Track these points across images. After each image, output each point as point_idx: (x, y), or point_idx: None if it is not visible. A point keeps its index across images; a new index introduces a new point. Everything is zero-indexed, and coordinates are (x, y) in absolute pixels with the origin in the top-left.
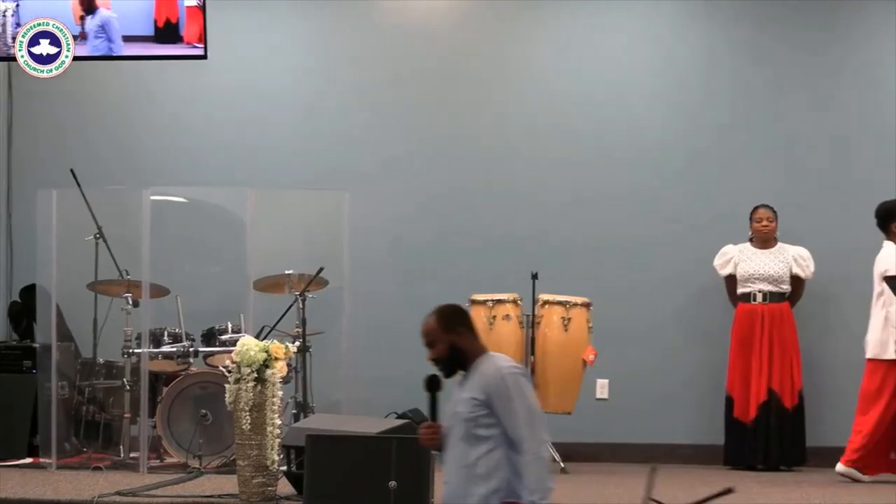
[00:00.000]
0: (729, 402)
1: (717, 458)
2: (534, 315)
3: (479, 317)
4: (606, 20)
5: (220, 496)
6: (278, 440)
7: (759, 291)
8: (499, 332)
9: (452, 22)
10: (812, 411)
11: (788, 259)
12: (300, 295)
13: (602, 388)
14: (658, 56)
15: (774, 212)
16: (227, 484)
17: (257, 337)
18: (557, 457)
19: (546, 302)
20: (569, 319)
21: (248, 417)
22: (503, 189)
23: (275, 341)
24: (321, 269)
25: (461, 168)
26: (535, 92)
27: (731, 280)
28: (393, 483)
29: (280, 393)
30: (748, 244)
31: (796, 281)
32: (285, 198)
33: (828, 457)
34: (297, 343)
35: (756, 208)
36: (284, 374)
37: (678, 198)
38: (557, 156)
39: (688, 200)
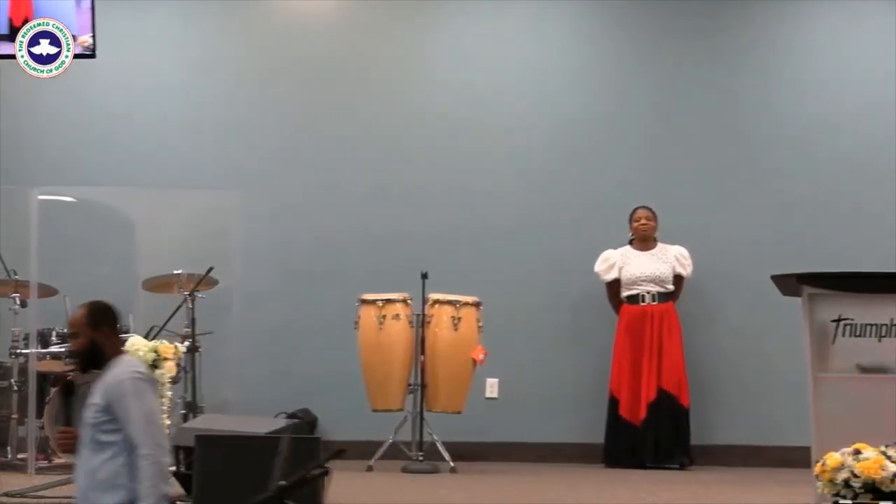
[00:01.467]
0: (614, 403)
1: (599, 457)
2: (424, 314)
3: (369, 316)
4: (499, 20)
5: None
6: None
7: (648, 293)
8: (389, 331)
9: (340, 20)
10: (697, 410)
11: (671, 259)
12: (189, 295)
13: (492, 387)
14: (545, 55)
15: (654, 212)
16: None
17: (146, 337)
18: (447, 456)
19: (436, 301)
20: (459, 319)
21: None
22: (393, 187)
23: (164, 341)
24: (210, 269)
25: (350, 166)
26: (425, 89)
27: (615, 284)
28: (283, 483)
29: (169, 393)
30: (629, 247)
31: (677, 279)
32: (174, 197)
33: (714, 455)
34: (187, 343)
35: (635, 209)
36: (174, 374)
37: (565, 198)
38: (447, 154)
39: (574, 201)
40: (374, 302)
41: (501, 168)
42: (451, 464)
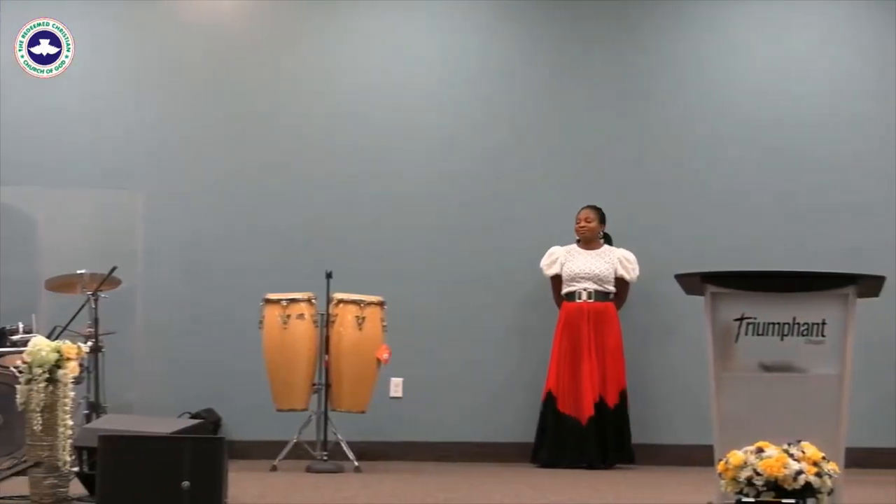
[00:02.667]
0: (551, 400)
1: (515, 455)
2: (328, 314)
3: (273, 316)
4: (412, 18)
5: (10, 498)
6: (70, 441)
7: (585, 290)
8: (293, 331)
9: (246, 17)
10: (635, 410)
11: (614, 260)
12: (93, 294)
13: (396, 386)
14: (459, 53)
15: (600, 213)
16: (18, 485)
17: (49, 337)
18: (352, 455)
19: (340, 301)
20: (363, 318)
21: (39, 418)
22: (298, 185)
23: (67, 341)
24: (114, 269)
25: (255, 165)
26: (332, 88)
27: (557, 280)
28: (186, 483)
29: (72, 393)
30: (575, 245)
31: (621, 283)
32: (77, 197)
33: (653, 455)
34: (90, 343)
35: (580, 210)
36: (77, 374)
37: (473, 196)
38: (354, 153)
39: (482, 199)
40: (278, 301)
41: (408, 167)
42: (356, 463)
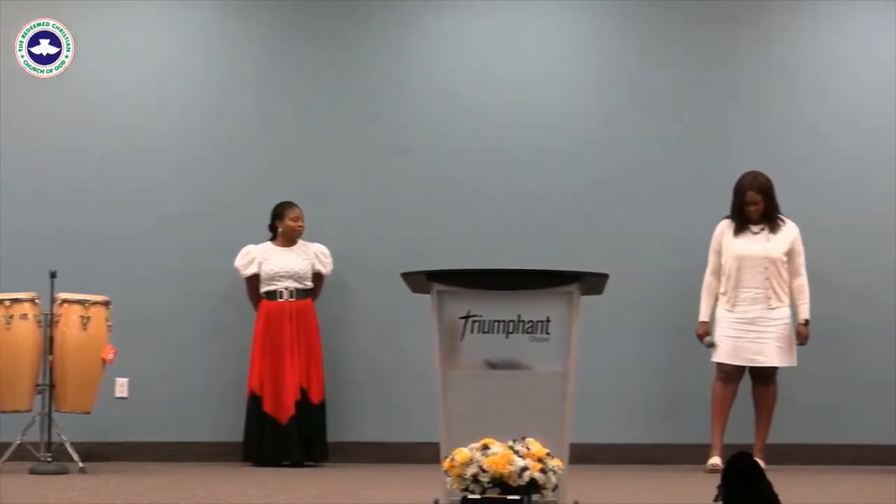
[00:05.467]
0: (256, 400)
1: (237, 455)
2: (52, 314)
3: None
4: (142, 15)
5: None
6: None
7: (286, 289)
8: (16, 331)
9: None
10: (334, 407)
11: (311, 256)
12: None
13: (122, 386)
14: (179, 51)
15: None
16: None
17: None
18: (76, 456)
19: (65, 301)
20: (88, 318)
21: None
22: (21, 185)
23: None
24: None
25: None
26: (55, 84)
27: (254, 280)
28: None
29: None
30: (269, 243)
31: (317, 277)
32: None
33: (349, 453)
34: None
35: (290, 207)
36: None
37: (200, 194)
38: (77, 153)
39: (210, 196)
40: (0, 302)
41: (134, 165)
42: (81, 464)
